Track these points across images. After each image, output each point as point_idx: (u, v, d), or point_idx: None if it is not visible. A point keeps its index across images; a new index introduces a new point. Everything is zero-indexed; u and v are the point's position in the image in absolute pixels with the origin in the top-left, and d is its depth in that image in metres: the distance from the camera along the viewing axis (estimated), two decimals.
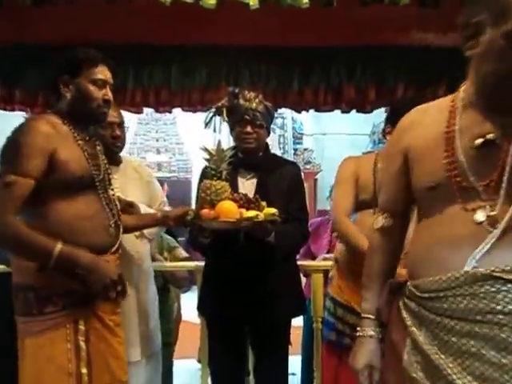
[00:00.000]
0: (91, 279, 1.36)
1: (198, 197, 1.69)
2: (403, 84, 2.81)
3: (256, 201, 1.60)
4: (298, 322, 2.45)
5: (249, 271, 1.77)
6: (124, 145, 1.93)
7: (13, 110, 2.93)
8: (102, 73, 1.44)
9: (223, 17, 2.33)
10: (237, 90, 1.83)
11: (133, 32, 2.43)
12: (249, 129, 1.82)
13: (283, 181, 1.86)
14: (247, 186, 1.86)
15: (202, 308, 1.95)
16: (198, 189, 1.70)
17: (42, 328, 1.35)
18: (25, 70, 2.76)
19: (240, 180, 1.86)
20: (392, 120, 1.80)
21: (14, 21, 2.40)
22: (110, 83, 1.47)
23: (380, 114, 3.05)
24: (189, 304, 2.03)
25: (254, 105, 1.81)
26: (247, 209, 1.56)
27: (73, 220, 1.37)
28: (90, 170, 1.43)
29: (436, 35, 2.70)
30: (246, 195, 1.63)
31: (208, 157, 1.66)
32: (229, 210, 1.53)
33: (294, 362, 2.68)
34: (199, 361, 2.65)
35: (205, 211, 1.55)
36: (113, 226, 1.47)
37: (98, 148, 1.53)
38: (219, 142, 1.66)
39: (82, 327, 1.39)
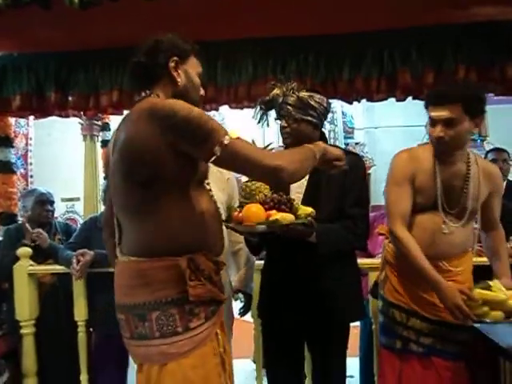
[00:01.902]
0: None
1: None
2: (464, 66, 2.60)
3: (288, 201, 1.51)
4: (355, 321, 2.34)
5: (298, 273, 1.70)
6: None
7: (67, 115, 3.03)
8: (201, 67, 1.38)
9: (266, 8, 2.26)
10: (272, 83, 1.78)
11: (176, 30, 2.41)
12: (283, 123, 1.75)
13: (339, 174, 1.75)
14: (299, 183, 1.77)
15: (259, 310, 1.89)
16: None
17: (190, 347, 1.20)
18: (77, 74, 2.84)
19: None
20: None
21: (63, 24, 2.46)
22: None
23: None
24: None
25: (290, 99, 1.73)
26: (278, 210, 1.47)
27: (207, 218, 1.28)
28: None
29: (498, 8, 2.46)
30: (281, 196, 1.52)
31: None
32: (254, 213, 1.45)
33: (352, 364, 2.57)
34: (254, 361, 2.61)
35: (235, 214, 1.50)
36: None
37: None
38: (253, 141, 1.60)
39: (220, 337, 1.28)
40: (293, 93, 1.74)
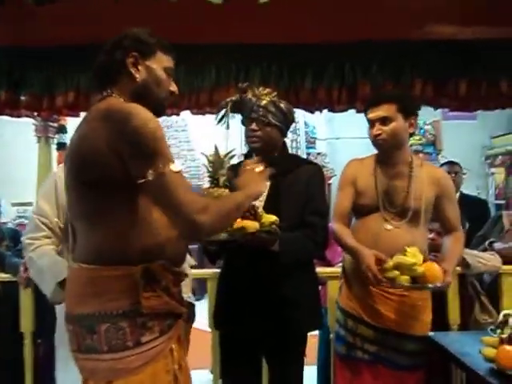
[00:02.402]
0: (260, 189, 1.36)
1: None
2: (421, 80, 2.69)
3: (252, 209, 1.50)
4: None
5: (258, 281, 1.68)
6: None
7: (19, 115, 2.89)
8: (171, 63, 1.28)
9: (231, 14, 2.26)
10: (245, 85, 1.77)
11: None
12: (254, 126, 1.73)
13: (299, 183, 1.75)
14: None
15: (216, 319, 1.85)
16: None
17: (141, 363, 1.11)
18: (30, 73, 2.71)
19: None
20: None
21: (16, 21, 2.35)
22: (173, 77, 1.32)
23: None
24: (200, 311, 1.93)
25: (262, 102, 1.72)
26: (242, 218, 1.46)
27: (167, 227, 1.18)
28: None
29: (455, 28, 2.59)
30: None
31: (206, 163, 1.57)
32: None
33: (310, 373, 2.57)
34: (212, 372, 2.55)
35: None
36: None
37: None
38: (216, 147, 1.58)
39: (176, 353, 1.18)
40: (267, 97, 1.74)
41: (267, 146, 1.76)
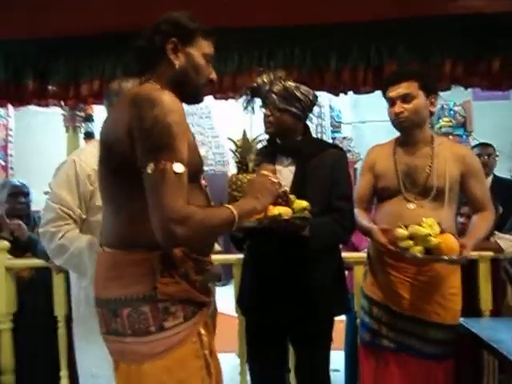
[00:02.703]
0: (264, 203, 1.25)
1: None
2: (451, 60, 2.59)
3: (284, 195, 1.48)
4: (341, 315, 2.33)
5: (287, 267, 1.67)
6: None
7: (46, 105, 2.94)
8: (211, 48, 1.25)
9: None
10: (261, 69, 1.76)
11: (153, 19, 2.36)
12: (267, 111, 1.72)
13: (324, 167, 1.73)
14: (285, 173, 1.75)
15: (240, 304, 1.86)
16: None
17: (164, 347, 1.10)
18: (55, 63, 2.75)
19: (277, 167, 1.75)
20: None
21: (40, 11, 2.38)
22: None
23: None
24: (226, 296, 1.95)
25: (274, 87, 1.70)
26: (274, 204, 1.44)
27: None
28: (199, 159, 1.27)
29: (486, 2, 2.47)
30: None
31: (234, 148, 1.55)
32: None
33: (338, 358, 2.57)
34: (239, 356, 2.58)
35: None
36: None
37: None
38: (244, 132, 1.56)
39: (205, 338, 1.17)
40: (279, 82, 1.71)
41: (280, 130, 1.76)
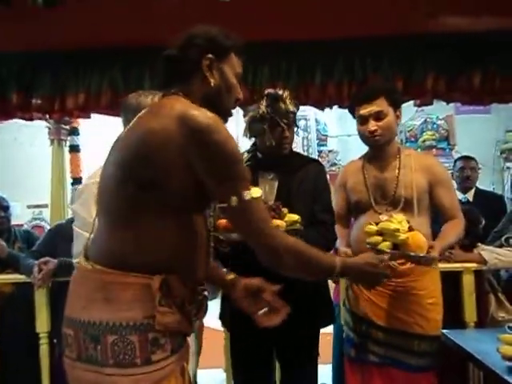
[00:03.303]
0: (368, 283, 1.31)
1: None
2: (433, 74, 2.65)
3: (277, 208, 1.49)
4: (328, 328, 2.32)
5: (272, 280, 1.66)
6: None
7: (31, 118, 2.92)
8: (241, 67, 1.21)
9: (236, 11, 2.25)
10: (280, 93, 1.74)
11: (147, 32, 2.37)
12: (287, 133, 1.74)
13: (307, 181, 1.76)
14: (268, 187, 1.76)
15: (224, 318, 1.84)
16: None
17: (149, 382, 1.01)
18: (40, 75, 2.74)
19: (260, 181, 1.76)
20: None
21: (26, 24, 2.37)
22: None
23: (406, 113, 2.90)
24: (214, 311, 1.92)
25: (290, 106, 1.73)
26: None
27: (195, 243, 1.12)
28: None
29: (466, 19, 2.54)
30: (265, 203, 1.51)
31: None
32: None
33: (325, 372, 2.55)
34: (225, 370, 2.55)
35: (222, 222, 1.45)
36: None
37: None
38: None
39: (187, 372, 1.10)
40: (292, 101, 1.75)
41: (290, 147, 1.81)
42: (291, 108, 1.73)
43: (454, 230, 1.80)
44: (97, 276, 1.05)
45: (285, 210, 1.53)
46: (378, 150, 1.86)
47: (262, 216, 1.09)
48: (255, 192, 1.07)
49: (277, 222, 1.46)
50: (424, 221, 1.82)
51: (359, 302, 1.83)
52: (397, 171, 1.82)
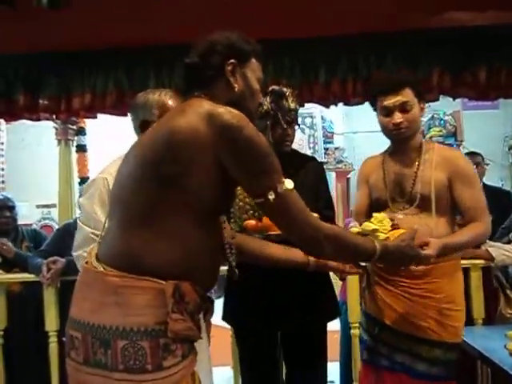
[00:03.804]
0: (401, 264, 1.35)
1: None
2: (438, 70, 2.63)
3: None
4: (336, 326, 2.32)
5: (276, 275, 1.66)
6: None
7: (38, 119, 2.94)
8: (261, 71, 1.22)
9: (239, 9, 2.25)
10: (284, 90, 1.73)
11: (150, 33, 2.38)
12: (289, 131, 1.74)
13: (308, 178, 1.78)
14: None
15: (228, 316, 1.84)
16: None
17: None
18: (47, 76, 2.76)
19: None
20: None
21: (31, 26, 2.39)
22: None
23: None
24: (221, 308, 1.93)
25: (293, 104, 1.73)
26: None
27: (209, 249, 1.10)
28: None
29: (470, 14, 2.52)
30: None
31: None
32: None
33: (333, 369, 2.55)
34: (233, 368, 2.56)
35: (251, 222, 1.45)
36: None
37: None
38: None
39: (197, 377, 1.08)
40: (295, 98, 1.76)
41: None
42: (293, 106, 1.73)
43: (468, 231, 1.65)
44: (108, 279, 1.02)
45: None
46: (401, 144, 1.73)
47: (300, 207, 1.10)
48: (288, 183, 1.07)
49: None
50: (443, 221, 1.68)
51: (374, 303, 1.73)
52: (416, 167, 1.71)
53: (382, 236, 1.45)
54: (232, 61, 1.14)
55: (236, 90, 1.15)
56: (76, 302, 1.09)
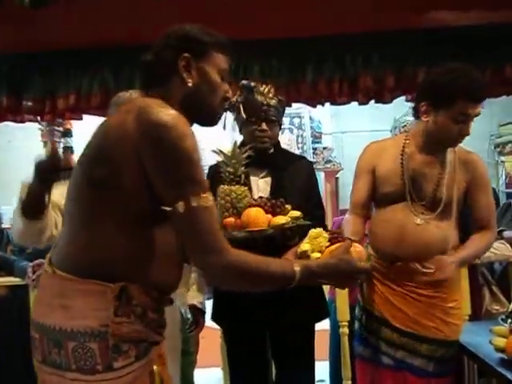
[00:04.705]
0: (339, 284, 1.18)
1: None
2: (424, 69, 2.65)
3: (282, 204, 1.49)
4: (325, 325, 2.33)
5: None
6: None
7: (22, 120, 2.91)
8: (227, 63, 1.12)
9: (227, 9, 2.25)
10: (253, 84, 1.71)
11: (136, 31, 2.37)
12: (264, 126, 1.73)
13: (299, 178, 1.78)
14: (261, 185, 1.77)
15: (217, 316, 1.84)
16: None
17: None
18: (31, 77, 2.73)
19: (252, 179, 1.76)
20: (430, 94, 1.57)
21: (16, 25, 2.37)
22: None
23: (400, 108, 2.92)
24: (211, 310, 1.92)
25: (269, 100, 1.72)
26: (273, 214, 1.45)
27: (161, 252, 1.05)
28: None
29: (455, 14, 2.55)
30: (269, 199, 1.51)
31: (224, 160, 1.54)
32: (257, 217, 1.42)
33: (322, 368, 2.56)
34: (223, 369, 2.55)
35: (229, 220, 1.44)
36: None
37: None
38: (235, 143, 1.55)
39: (157, 378, 1.06)
40: (273, 95, 1.74)
41: (272, 144, 1.79)
42: (272, 102, 1.72)
43: (481, 242, 1.62)
44: (56, 281, 1.03)
45: (288, 207, 1.53)
46: (438, 148, 1.62)
47: (210, 227, 0.98)
48: (206, 200, 0.98)
49: (282, 218, 1.46)
50: (454, 225, 1.64)
51: (376, 300, 1.69)
52: (440, 168, 1.61)
53: (315, 255, 1.29)
54: (185, 55, 1.07)
55: (190, 85, 1.08)
56: (34, 303, 1.10)
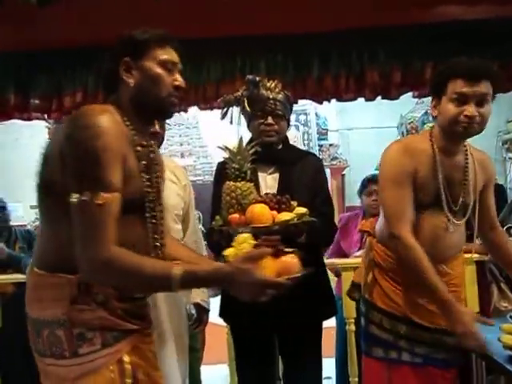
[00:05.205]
0: (238, 294, 1.08)
1: (215, 200, 1.60)
2: (431, 64, 2.63)
3: (287, 201, 1.48)
4: (331, 322, 2.32)
5: None
6: (162, 143, 1.83)
7: (29, 118, 2.93)
8: (171, 54, 1.16)
9: (233, 6, 2.24)
10: (258, 78, 1.71)
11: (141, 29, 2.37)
12: (270, 120, 1.72)
13: (306, 174, 1.76)
14: (269, 181, 1.76)
15: (225, 313, 1.84)
16: (216, 192, 1.60)
17: (79, 373, 1.07)
18: (38, 75, 2.75)
19: (260, 175, 1.76)
20: (431, 87, 1.55)
21: (21, 24, 2.38)
22: (180, 68, 1.17)
23: (407, 105, 2.90)
24: (216, 306, 1.92)
25: (275, 94, 1.71)
26: (278, 210, 1.43)
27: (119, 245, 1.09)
28: (142, 188, 1.13)
29: (461, 8, 2.54)
30: (275, 195, 1.51)
31: (230, 156, 1.54)
32: (261, 213, 1.40)
33: (329, 365, 2.56)
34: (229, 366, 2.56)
35: (234, 216, 1.43)
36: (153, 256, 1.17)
37: (152, 155, 1.19)
38: (241, 139, 1.54)
39: (128, 366, 1.10)
40: (279, 90, 1.73)
41: (280, 139, 1.78)
42: (278, 97, 1.71)
43: None
44: (33, 278, 1.14)
45: (294, 203, 1.52)
46: (459, 143, 1.54)
47: (98, 224, 1.01)
48: (101, 198, 1.01)
49: (287, 214, 1.45)
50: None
51: (392, 298, 1.62)
52: (463, 171, 1.55)
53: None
54: (125, 59, 1.12)
55: (132, 85, 1.12)
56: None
